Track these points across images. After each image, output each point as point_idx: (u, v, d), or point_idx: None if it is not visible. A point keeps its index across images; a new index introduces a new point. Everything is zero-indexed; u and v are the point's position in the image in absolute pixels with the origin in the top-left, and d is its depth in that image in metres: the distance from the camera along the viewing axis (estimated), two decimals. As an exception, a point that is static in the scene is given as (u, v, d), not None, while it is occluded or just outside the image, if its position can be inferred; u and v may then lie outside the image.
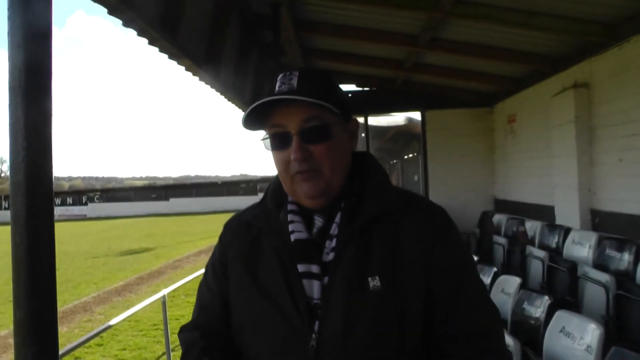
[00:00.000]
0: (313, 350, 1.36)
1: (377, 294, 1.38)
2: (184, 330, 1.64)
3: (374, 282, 1.38)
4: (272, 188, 1.64)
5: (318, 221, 1.51)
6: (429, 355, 1.44)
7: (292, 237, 1.49)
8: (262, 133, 1.53)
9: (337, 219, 1.49)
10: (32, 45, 1.43)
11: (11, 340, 10.07)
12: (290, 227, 1.50)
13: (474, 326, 1.44)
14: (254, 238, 1.56)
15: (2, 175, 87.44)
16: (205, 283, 1.65)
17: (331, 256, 1.44)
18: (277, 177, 1.60)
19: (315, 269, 1.43)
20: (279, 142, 1.48)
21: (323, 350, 1.36)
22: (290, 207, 1.55)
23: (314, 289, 1.42)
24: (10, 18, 1.40)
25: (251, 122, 1.50)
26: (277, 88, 1.46)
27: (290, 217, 1.53)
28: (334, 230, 1.47)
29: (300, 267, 1.44)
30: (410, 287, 1.40)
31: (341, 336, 1.36)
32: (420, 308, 1.40)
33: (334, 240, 1.46)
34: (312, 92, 1.42)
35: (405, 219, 1.48)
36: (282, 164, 1.48)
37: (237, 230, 1.64)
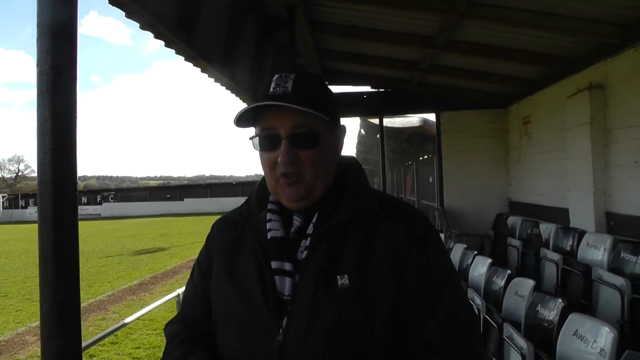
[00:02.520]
0: (279, 345, 1.39)
1: (343, 293, 1.40)
2: (169, 324, 1.69)
3: (342, 281, 1.41)
4: (258, 188, 1.69)
5: (296, 221, 1.55)
6: None
7: (269, 235, 1.53)
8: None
9: (314, 219, 1.53)
10: (58, 50, 1.47)
11: (28, 337, 10.20)
12: (268, 226, 1.55)
13: (448, 336, 1.44)
14: (237, 235, 1.62)
15: (20, 174, 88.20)
16: (191, 279, 1.72)
17: (304, 254, 1.48)
18: (263, 179, 1.66)
19: (288, 266, 1.47)
20: (268, 144, 1.51)
21: (288, 345, 1.39)
22: (270, 206, 1.60)
23: (286, 285, 1.46)
24: (39, 25, 1.44)
25: (243, 120, 1.53)
26: (271, 89, 1.49)
27: (269, 215, 1.58)
28: (310, 230, 1.52)
29: (274, 264, 1.48)
30: (379, 290, 1.42)
31: (304, 332, 1.39)
32: (388, 311, 1.42)
33: (309, 239, 1.49)
34: (306, 98, 1.46)
35: (382, 223, 1.51)
36: (268, 165, 1.52)
37: (222, 228, 1.70)
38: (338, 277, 1.42)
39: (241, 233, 1.61)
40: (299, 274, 1.45)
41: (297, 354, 1.38)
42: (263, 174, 1.62)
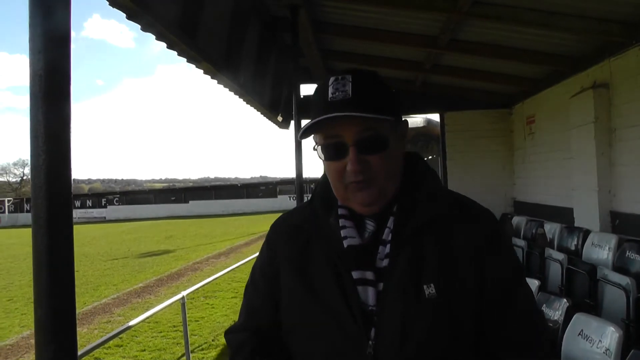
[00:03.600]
0: (371, 357, 1.35)
1: (432, 302, 1.37)
2: (231, 332, 1.63)
3: (429, 290, 1.37)
4: (320, 191, 1.61)
5: (370, 225, 1.49)
6: None
7: (345, 243, 1.47)
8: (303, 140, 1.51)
9: (390, 223, 1.47)
10: (52, 51, 1.46)
11: (33, 341, 10.20)
12: (343, 233, 1.48)
13: (525, 335, 1.44)
14: (304, 242, 1.54)
15: (25, 178, 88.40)
16: (253, 286, 1.64)
17: (385, 262, 1.43)
18: (324, 180, 1.59)
19: (369, 275, 1.42)
20: (334, 152, 1.45)
21: (380, 357, 1.35)
22: (341, 211, 1.52)
23: (369, 295, 1.41)
24: (31, 25, 1.43)
25: (305, 132, 1.46)
26: (330, 95, 1.42)
27: (342, 222, 1.51)
28: (387, 235, 1.46)
29: (355, 274, 1.42)
30: (463, 295, 1.39)
31: (399, 344, 1.35)
32: (473, 316, 1.40)
33: (388, 246, 1.44)
34: (368, 100, 1.41)
35: (457, 224, 1.46)
36: (336, 173, 1.45)
37: (286, 233, 1.61)
38: (425, 286, 1.38)
39: (308, 239, 1.54)
40: (383, 284, 1.41)
41: None
42: (322, 174, 1.59)
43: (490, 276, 1.42)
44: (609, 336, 3.28)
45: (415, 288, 1.38)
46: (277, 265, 1.57)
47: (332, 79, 1.45)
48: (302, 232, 1.56)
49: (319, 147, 1.48)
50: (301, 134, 1.46)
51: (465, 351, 1.39)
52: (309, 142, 1.54)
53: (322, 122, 1.41)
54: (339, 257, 1.45)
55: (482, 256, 1.43)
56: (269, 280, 1.58)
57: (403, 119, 1.58)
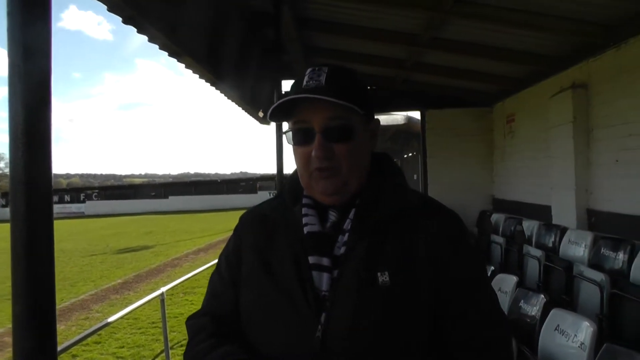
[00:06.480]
0: (319, 341, 1.37)
1: (385, 289, 1.38)
2: (192, 318, 1.66)
3: (383, 277, 1.39)
4: (290, 183, 1.66)
5: (332, 216, 1.52)
6: None
7: (305, 230, 1.51)
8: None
9: (351, 215, 1.50)
10: (31, 39, 1.44)
11: (7, 339, 10.07)
12: (304, 220, 1.53)
13: (483, 336, 1.45)
14: (269, 230, 1.58)
15: (1, 172, 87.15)
16: (217, 273, 1.67)
17: (342, 250, 1.45)
18: (294, 173, 1.63)
19: (325, 261, 1.45)
20: (301, 138, 1.50)
21: (329, 341, 1.37)
22: (305, 200, 1.57)
23: (323, 281, 1.43)
24: (9, 13, 1.40)
25: (276, 114, 1.51)
26: (304, 83, 1.48)
27: (304, 210, 1.55)
28: (347, 225, 1.49)
29: (311, 259, 1.46)
30: (419, 287, 1.40)
31: (347, 329, 1.37)
32: (428, 309, 1.41)
33: (347, 235, 1.47)
34: (339, 90, 1.44)
35: (420, 221, 1.49)
36: (302, 159, 1.50)
37: (252, 222, 1.65)
38: (378, 274, 1.40)
39: (273, 227, 1.58)
40: (338, 270, 1.43)
41: (338, 351, 1.36)
42: (294, 168, 1.61)
43: (449, 276, 1.44)
44: (584, 331, 3.34)
45: (368, 275, 1.40)
46: (240, 253, 1.61)
47: (309, 70, 1.52)
48: (268, 221, 1.61)
49: (289, 132, 1.53)
50: (270, 115, 1.51)
51: (417, 347, 1.40)
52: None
53: (292, 107, 1.47)
54: (298, 243, 1.50)
55: (443, 256, 1.44)
56: (231, 268, 1.61)
57: (376, 118, 1.62)
